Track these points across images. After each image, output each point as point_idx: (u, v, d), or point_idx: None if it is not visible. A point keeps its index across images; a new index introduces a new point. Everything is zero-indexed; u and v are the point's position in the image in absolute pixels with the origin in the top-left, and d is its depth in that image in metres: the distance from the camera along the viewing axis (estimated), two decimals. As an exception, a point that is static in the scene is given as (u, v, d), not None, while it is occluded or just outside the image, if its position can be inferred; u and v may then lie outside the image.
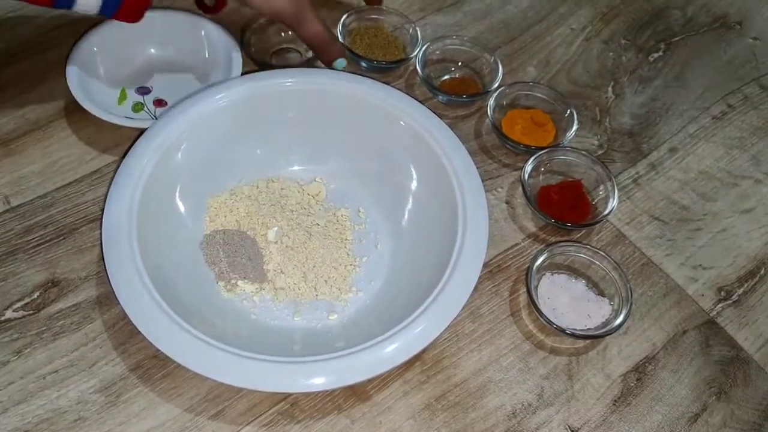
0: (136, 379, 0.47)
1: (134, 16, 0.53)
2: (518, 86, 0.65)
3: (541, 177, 0.60)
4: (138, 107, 0.61)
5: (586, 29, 0.75)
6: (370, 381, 0.48)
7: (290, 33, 0.67)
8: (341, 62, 0.59)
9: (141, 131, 0.54)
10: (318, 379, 0.43)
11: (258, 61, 0.63)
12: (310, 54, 0.65)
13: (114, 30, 0.61)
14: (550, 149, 0.60)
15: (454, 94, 0.64)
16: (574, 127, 0.62)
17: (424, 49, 0.65)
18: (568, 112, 0.63)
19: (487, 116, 0.62)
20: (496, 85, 0.64)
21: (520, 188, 0.58)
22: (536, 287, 0.53)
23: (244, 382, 0.43)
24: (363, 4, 0.70)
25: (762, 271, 0.58)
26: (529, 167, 0.58)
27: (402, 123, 0.55)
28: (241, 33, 0.64)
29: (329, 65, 0.59)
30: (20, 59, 0.64)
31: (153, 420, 0.46)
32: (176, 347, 0.43)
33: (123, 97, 0.61)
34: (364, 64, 0.65)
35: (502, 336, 0.52)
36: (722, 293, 0.56)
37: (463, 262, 0.48)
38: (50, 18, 0.67)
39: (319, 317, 0.51)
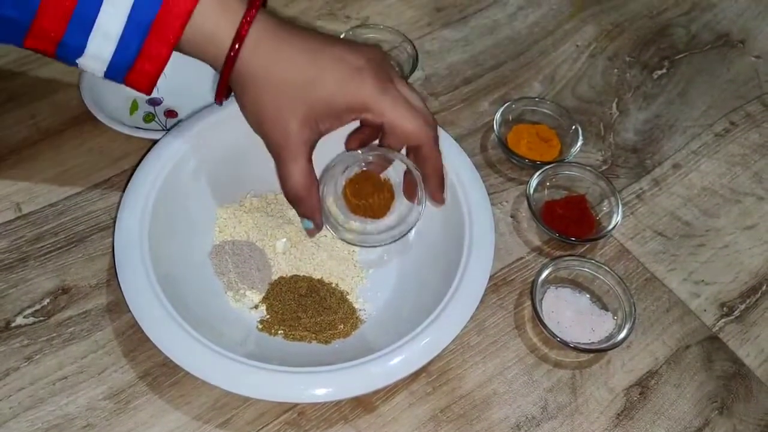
0: (144, 387, 0.48)
1: (145, 86, 0.45)
2: (524, 101, 0.66)
3: (546, 191, 0.61)
4: (149, 118, 0.62)
5: (591, 46, 0.76)
6: (376, 392, 0.49)
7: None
8: (306, 223, 0.48)
9: (152, 142, 0.55)
10: (325, 390, 0.44)
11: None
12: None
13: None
14: (555, 164, 0.61)
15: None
16: (579, 143, 0.62)
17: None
18: (573, 127, 0.63)
19: (493, 131, 0.63)
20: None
21: (526, 202, 0.59)
22: (541, 300, 0.54)
23: (252, 392, 0.43)
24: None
25: (764, 287, 0.58)
26: (534, 182, 0.59)
27: (410, 137, 0.55)
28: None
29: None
30: (33, 69, 0.65)
31: (161, 427, 0.46)
32: (186, 356, 0.44)
33: (134, 107, 0.62)
34: None
35: (506, 349, 0.52)
36: (724, 309, 0.57)
37: (469, 275, 0.48)
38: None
39: (325, 328, 0.51)
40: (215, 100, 0.47)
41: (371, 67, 0.44)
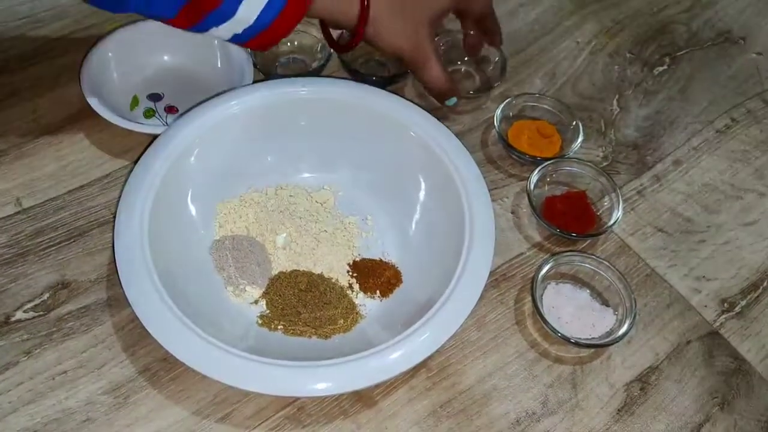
0: (144, 381, 0.48)
1: (264, 48, 0.54)
2: (524, 98, 0.66)
3: (546, 187, 0.61)
4: (149, 113, 0.62)
5: (591, 43, 0.76)
6: (376, 387, 0.49)
7: (296, 42, 0.67)
8: (452, 100, 0.59)
9: (152, 137, 0.55)
10: (324, 384, 0.44)
11: (264, 71, 0.64)
12: (315, 64, 0.66)
13: (129, 36, 0.62)
14: (556, 160, 0.61)
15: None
16: (580, 139, 0.62)
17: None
18: (574, 123, 0.63)
19: (494, 127, 0.63)
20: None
21: (526, 198, 0.59)
22: (541, 296, 0.54)
23: (252, 386, 0.43)
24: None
25: (765, 283, 0.58)
26: (534, 178, 0.59)
27: (411, 133, 0.55)
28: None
29: (441, 103, 0.59)
30: (34, 64, 0.65)
31: (161, 422, 0.46)
32: (185, 350, 0.44)
33: (135, 103, 0.62)
34: None
35: (507, 344, 0.52)
36: (725, 305, 0.57)
37: (469, 270, 0.48)
38: (62, 24, 0.68)
39: (326, 323, 0.51)
40: (348, 46, 0.56)
41: None
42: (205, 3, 0.47)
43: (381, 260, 0.54)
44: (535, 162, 0.61)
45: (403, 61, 0.57)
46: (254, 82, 0.60)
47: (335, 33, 0.59)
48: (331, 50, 0.64)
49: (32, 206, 0.56)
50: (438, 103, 0.59)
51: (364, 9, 0.52)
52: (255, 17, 0.49)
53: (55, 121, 0.61)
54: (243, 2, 0.48)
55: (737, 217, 0.62)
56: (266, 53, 0.66)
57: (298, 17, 0.50)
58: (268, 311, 0.51)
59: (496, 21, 0.63)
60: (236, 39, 0.51)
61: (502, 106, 0.64)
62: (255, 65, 0.63)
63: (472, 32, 0.65)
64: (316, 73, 0.65)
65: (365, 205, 0.58)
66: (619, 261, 0.58)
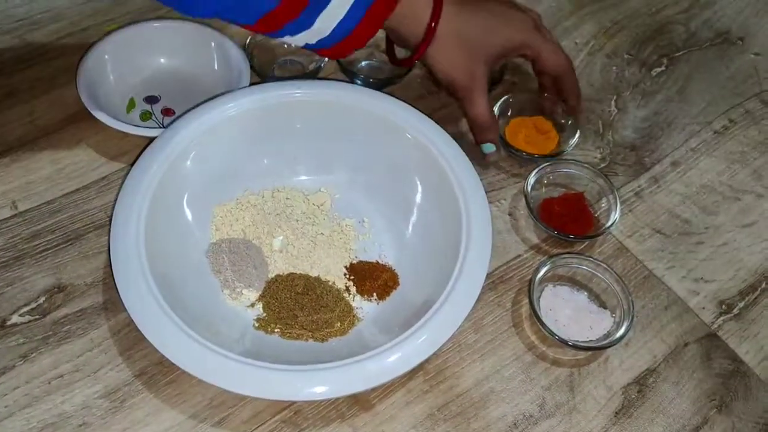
0: (140, 385, 0.48)
1: (335, 56, 0.55)
2: (522, 95, 0.65)
3: (543, 189, 0.61)
4: (146, 116, 0.62)
5: (589, 43, 0.76)
6: (373, 390, 0.49)
7: (293, 45, 0.67)
8: (489, 146, 0.59)
9: (149, 140, 0.54)
10: (321, 388, 0.43)
11: (261, 73, 0.64)
12: (312, 66, 0.66)
13: (125, 39, 0.62)
14: (553, 162, 0.61)
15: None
16: (577, 135, 0.62)
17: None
18: (571, 120, 0.63)
19: (491, 128, 0.63)
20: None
21: (523, 200, 0.59)
22: (538, 299, 0.53)
23: (248, 390, 0.43)
24: None
25: (763, 285, 0.58)
26: (532, 179, 0.59)
27: (408, 135, 0.55)
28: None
29: (478, 144, 0.59)
30: (30, 66, 0.65)
31: (157, 426, 0.46)
32: (181, 354, 0.43)
33: (131, 105, 0.62)
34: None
35: (504, 347, 0.52)
36: (723, 306, 0.57)
37: (466, 273, 0.48)
38: (59, 26, 0.68)
39: (322, 326, 0.51)
40: (408, 62, 0.58)
41: (529, 19, 0.59)
42: (284, 14, 0.49)
43: (378, 263, 0.54)
44: (533, 159, 0.61)
45: (451, 90, 0.58)
46: (251, 84, 0.59)
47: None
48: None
49: (28, 209, 0.55)
50: (474, 142, 0.59)
51: (431, 30, 0.54)
52: (331, 29, 0.51)
53: (51, 123, 0.61)
54: (320, 15, 0.49)
55: (735, 219, 0.62)
56: (263, 55, 0.66)
57: (373, 30, 0.52)
58: (264, 314, 0.51)
59: (574, 84, 0.62)
60: (309, 46, 0.53)
61: (498, 103, 0.63)
62: (252, 67, 0.63)
63: (547, 94, 0.64)
64: (313, 74, 0.65)
65: (362, 207, 0.57)
66: (616, 263, 0.58)
